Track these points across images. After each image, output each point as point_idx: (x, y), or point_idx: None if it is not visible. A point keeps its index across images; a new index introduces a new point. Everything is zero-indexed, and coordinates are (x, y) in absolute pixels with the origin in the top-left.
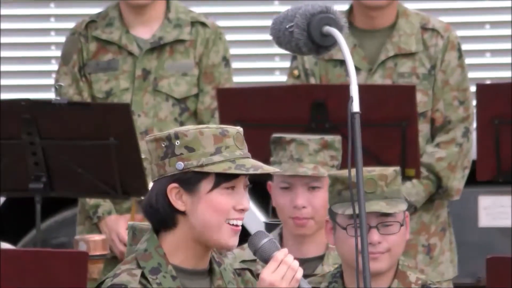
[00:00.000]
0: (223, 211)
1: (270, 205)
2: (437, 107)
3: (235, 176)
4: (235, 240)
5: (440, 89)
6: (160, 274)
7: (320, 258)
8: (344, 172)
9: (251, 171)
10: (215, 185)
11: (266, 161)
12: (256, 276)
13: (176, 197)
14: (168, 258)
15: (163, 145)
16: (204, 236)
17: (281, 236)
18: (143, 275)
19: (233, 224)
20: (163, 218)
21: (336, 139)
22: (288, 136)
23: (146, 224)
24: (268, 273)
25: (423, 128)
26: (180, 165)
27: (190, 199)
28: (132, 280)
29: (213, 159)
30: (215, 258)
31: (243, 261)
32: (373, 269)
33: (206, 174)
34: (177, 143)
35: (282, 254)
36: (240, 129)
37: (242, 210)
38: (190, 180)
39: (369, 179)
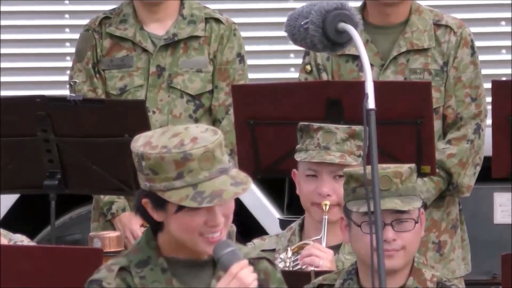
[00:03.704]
0: (193, 230)
1: (285, 202)
2: (449, 104)
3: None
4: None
5: (452, 85)
6: (147, 267)
7: (337, 247)
8: (359, 170)
9: (205, 204)
10: (179, 208)
11: (280, 158)
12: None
13: (151, 210)
14: (164, 250)
15: (136, 160)
16: (184, 244)
17: (302, 226)
18: (124, 269)
19: (208, 237)
20: (150, 222)
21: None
22: (315, 123)
23: None
24: (220, 286)
25: (435, 124)
26: (146, 185)
27: (163, 214)
28: (109, 276)
29: (174, 184)
30: None
31: (263, 251)
32: (388, 267)
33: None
34: (143, 163)
35: (238, 268)
36: (211, 147)
37: (217, 225)
38: (157, 201)
39: (384, 176)
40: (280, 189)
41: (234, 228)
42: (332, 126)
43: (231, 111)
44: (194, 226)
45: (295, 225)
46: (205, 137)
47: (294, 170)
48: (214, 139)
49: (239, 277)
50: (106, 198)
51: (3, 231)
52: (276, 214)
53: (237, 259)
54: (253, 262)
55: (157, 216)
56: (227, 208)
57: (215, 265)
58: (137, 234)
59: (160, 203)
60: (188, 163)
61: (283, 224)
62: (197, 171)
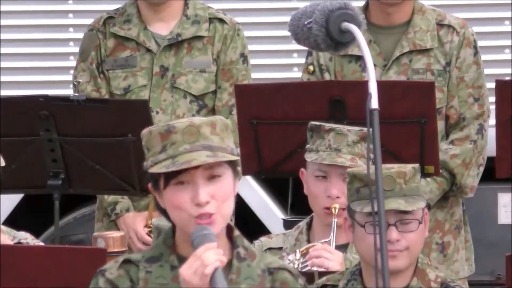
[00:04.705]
0: (180, 207)
1: (289, 202)
2: (452, 104)
3: (180, 171)
4: None
5: (455, 86)
6: (157, 263)
7: (345, 247)
8: (362, 170)
9: (171, 168)
10: (166, 183)
11: (284, 158)
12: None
13: (156, 195)
14: (179, 248)
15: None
16: (183, 231)
17: (309, 225)
18: (132, 262)
19: (198, 221)
20: (162, 213)
21: None
22: (327, 124)
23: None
24: (184, 267)
25: (438, 125)
26: (145, 166)
27: (159, 195)
28: (113, 266)
29: (158, 157)
30: (240, 254)
31: (269, 249)
32: (392, 267)
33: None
34: (143, 143)
35: (203, 249)
36: (197, 122)
37: (200, 204)
38: (152, 180)
39: (388, 176)
40: (283, 189)
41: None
42: (344, 128)
43: (235, 111)
44: (181, 203)
45: (302, 224)
46: (195, 117)
47: (302, 169)
48: (204, 118)
49: (201, 257)
50: (110, 198)
51: (6, 228)
52: (280, 214)
53: (207, 241)
54: (273, 271)
55: (159, 199)
56: (217, 189)
57: (230, 267)
58: (141, 235)
59: (154, 182)
60: (171, 135)
61: (287, 224)
62: (179, 143)
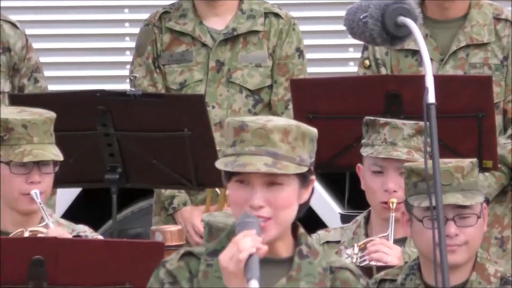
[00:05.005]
0: (237, 205)
1: (346, 196)
2: (510, 98)
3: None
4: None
5: None
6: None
7: (403, 241)
8: (420, 164)
9: (226, 167)
10: (228, 178)
11: (339, 152)
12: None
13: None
14: None
15: None
16: None
17: (367, 219)
18: (194, 255)
19: None
20: None
21: None
22: (382, 119)
23: (222, 222)
24: (222, 253)
25: (496, 119)
26: (222, 152)
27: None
28: (174, 258)
29: (227, 151)
30: (303, 251)
31: (327, 242)
32: (450, 262)
33: None
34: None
35: (241, 235)
36: (269, 126)
37: (253, 207)
38: (224, 171)
39: (445, 171)
40: (341, 183)
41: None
42: (399, 122)
43: (291, 106)
44: (238, 201)
45: (360, 218)
46: (275, 119)
47: (359, 164)
48: (279, 123)
49: (237, 242)
50: (167, 192)
51: (65, 221)
52: (337, 208)
53: (247, 228)
54: (335, 270)
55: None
56: (273, 197)
57: (291, 264)
58: (198, 228)
59: (225, 173)
60: (242, 133)
61: (344, 218)
62: (247, 143)
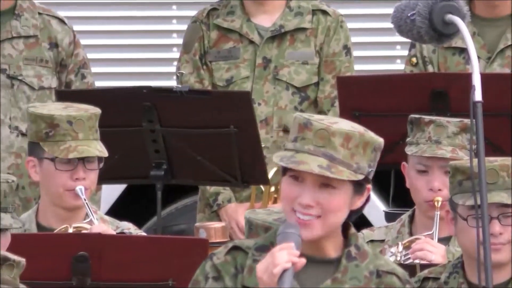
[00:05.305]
0: (287, 200)
1: (390, 194)
2: None
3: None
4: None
5: None
6: (266, 252)
7: (447, 239)
8: (465, 162)
9: (281, 162)
10: (283, 172)
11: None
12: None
13: None
14: None
15: None
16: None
17: (411, 218)
18: (242, 249)
19: (298, 217)
20: None
21: None
22: (427, 117)
23: (261, 219)
24: (259, 263)
25: None
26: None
27: None
28: (222, 251)
29: (288, 145)
30: (351, 253)
31: (371, 241)
32: (494, 260)
33: None
34: None
35: (278, 248)
36: (333, 129)
37: (302, 205)
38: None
39: (491, 170)
40: (385, 181)
41: None
42: (443, 120)
43: (337, 103)
44: (288, 197)
45: (404, 217)
46: (341, 123)
47: (404, 163)
48: (343, 128)
49: (274, 255)
50: (212, 189)
51: (110, 218)
52: (381, 206)
53: (287, 240)
54: (381, 274)
55: None
56: (325, 199)
57: (338, 265)
58: (242, 225)
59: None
60: (305, 131)
61: (389, 216)
62: (307, 141)
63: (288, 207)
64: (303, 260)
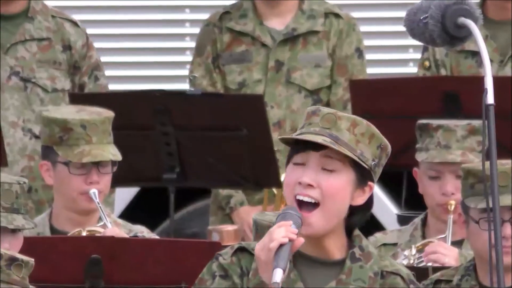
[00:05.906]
0: (289, 185)
1: (403, 197)
2: None
3: (302, 148)
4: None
5: None
6: None
7: (460, 243)
8: (477, 165)
9: (286, 135)
10: (288, 159)
11: (398, 152)
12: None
13: None
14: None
15: None
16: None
17: (424, 221)
18: (248, 251)
19: (297, 199)
20: None
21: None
22: (434, 122)
23: (268, 220)
24: (258, 243)
25: None
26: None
27: None
28: (228, 252)
29: (297, 132)
30: (355, 254)
31: (384, 245)
32: (506, 263)
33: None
34: None
35: (276, 226)
36: (339, 113)
37: (302, 184)
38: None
39: (503, 173)
40: (398, 184)
41: None
42: (451, 124)
43: (349, 106)
44: (290, 182)
45: (417, 220)
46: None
47: (415, 169)
48: (351, 115)
49: (271, 231)
50: (224, 192)
51: (123, 222)
52: (394, 209)
53: (285, 219)
54: (385, 275)
55: None
56: (325, 180)
57: (342, 266)
58: None
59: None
60: (313, 116)
61: (401, 219)
62: (314, 125)
63: (290, 194)
64: (301, 239)
